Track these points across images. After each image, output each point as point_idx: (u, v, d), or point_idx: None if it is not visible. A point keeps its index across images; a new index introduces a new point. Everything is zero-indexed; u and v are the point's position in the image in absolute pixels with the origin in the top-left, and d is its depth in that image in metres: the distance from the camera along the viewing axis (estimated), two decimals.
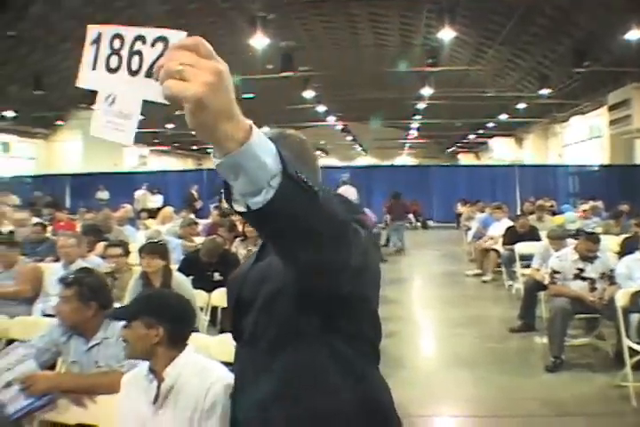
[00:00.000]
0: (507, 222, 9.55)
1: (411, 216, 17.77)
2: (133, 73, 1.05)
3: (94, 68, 1.11)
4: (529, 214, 10.17)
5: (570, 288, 5.36)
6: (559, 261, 5.56)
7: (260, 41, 14.76)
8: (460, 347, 6.15)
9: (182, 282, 4.55)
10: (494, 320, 7.26)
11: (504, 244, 8.74)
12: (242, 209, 1.08)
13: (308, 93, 21.73)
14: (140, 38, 1.04)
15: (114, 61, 1.08)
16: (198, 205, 15.47)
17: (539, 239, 8.11)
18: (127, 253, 5.12)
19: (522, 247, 8.00)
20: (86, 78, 1.13)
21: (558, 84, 20.70)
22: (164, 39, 1.01)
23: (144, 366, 2.29)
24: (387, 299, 7.78)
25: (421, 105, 26.37)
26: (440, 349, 6.42)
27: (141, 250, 4.62)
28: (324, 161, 40.38)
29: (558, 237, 6.63)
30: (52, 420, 2.73)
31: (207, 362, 2.28)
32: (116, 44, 1.08)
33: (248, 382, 1.65)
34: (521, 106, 25.19)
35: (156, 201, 15.85)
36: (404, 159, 45.18)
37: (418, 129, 35.93)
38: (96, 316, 2.92)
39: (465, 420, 4.44)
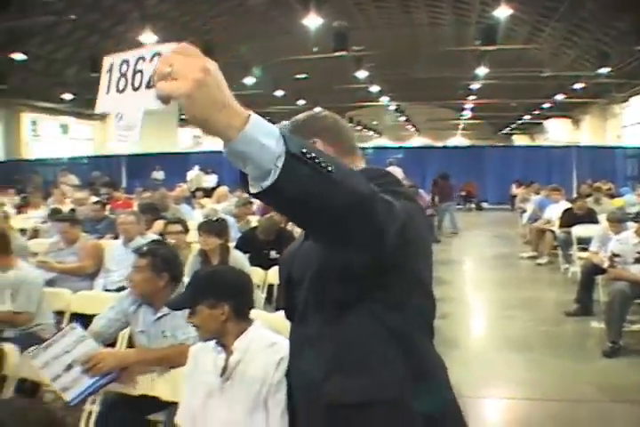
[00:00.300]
0: (564, 204, 9.36)
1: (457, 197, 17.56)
2: (136, 89, 1.16)
3: (108, 93, 1.22)
4: (586, 197, 9.95)
5: (630, 272, 5.25)
6: (619, 244, 5.44)
7: (313, 21, 14.70)
8: (513, 329, 6.09)
9: (239, 259, 4.60)
10: (549, 303, 7.17)
11: (561, 226, 8.57)
12: (255, 191, 1.11)
13: (362, 73, 21.60)
14: (141, 58, 1.16)
15: (122, 83, 1.19)
16: None
17: (596, 222, 7.96)
18: (186, 230, 5.21)
19: (579, 230, 7.85)
20: (101, 103, 1.25)
21: (618, 63, 20.00)
22: (159, 54, 1.11)
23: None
24: (440, 280, 7.72)
25: (476, 85, 25.92)
26: (493, 330, 6.38)
27: (199, 228, 4.69)
28: (376, 141, 40.25)
29: (618, 220, 6.47)
30: (115, 391, 2.83)
31: (276, 337, 2.29)
32: (124, 68, 1.19)
33: (301, 360, 1.67)
34: (578, 86, 24.40)
35: (210, 181, 16.04)
36: (458, 140, 44.56)
37: (472, 109, 35.35)
38: (167, 287, 2.98)
39: (517, 402, 4.40)
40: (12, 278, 3.91)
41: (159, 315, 2.96)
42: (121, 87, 1.20)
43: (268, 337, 2.26)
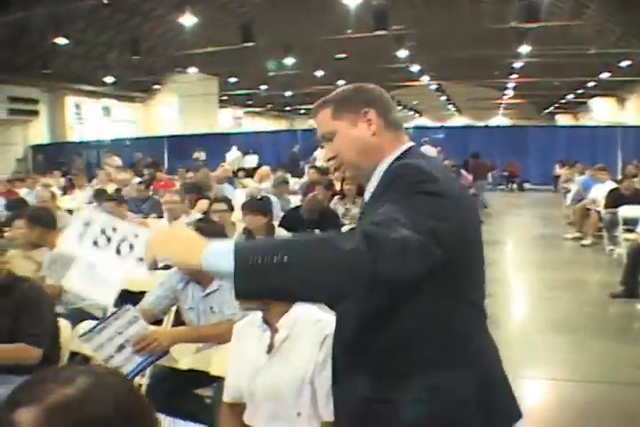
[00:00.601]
0: (610, 185, 9.18)
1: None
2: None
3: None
4: (632, 177, 9.73)
5: None
6: None
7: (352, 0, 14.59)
8: (556, 310, 6.03)
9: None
10: (593, 285, 7.07)
11: (606, 206, 8.41)
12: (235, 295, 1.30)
13: (402, 53, 21.33)
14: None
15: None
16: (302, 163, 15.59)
17: None
18: (231, 209, 5.26)
19: (626, 211, 7.70)
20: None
21: None
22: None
23: (256, 315, 2.33)
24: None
25: (518, 63, 25.41)
26: (535, 312, 6.31)
27: (244, 207, 4.73)
28: (417, 122, 39.87)
29: None
30: (164, 364, 2.90)
31: (321, 314, 2.29)
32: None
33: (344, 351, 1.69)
34: (624, 63, 23.74)
35: (251, 161, 16.11)
36: (499, 120, 43.86)
37: (514, 88, 34.72)
38: None
39: (558, 383, 4.36)
40: (55, 255, 4.02)
41: (207, 291, 3.00)
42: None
43: (313, 314, 2.25)
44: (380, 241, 1.27)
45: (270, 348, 2.22)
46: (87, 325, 3.07)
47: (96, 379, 1.02)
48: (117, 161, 15.46)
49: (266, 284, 1.26)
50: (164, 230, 1.51)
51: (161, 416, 2.73)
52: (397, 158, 1.61)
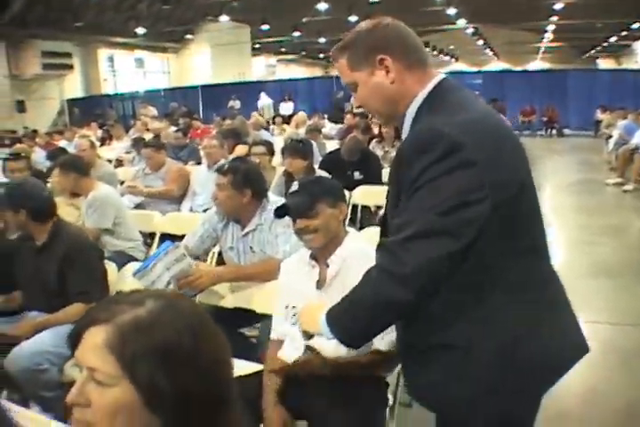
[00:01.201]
0: None
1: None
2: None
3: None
4: None
5: None
6: None
7: None
8: (598, 255, 5.95)
9: None
10: (635, 230, 6.96)
11: None
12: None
13: None
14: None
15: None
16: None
17: None
18: (271, 153, 5.23)
19: None
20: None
21: None
22: None
23: (303, 252, 2.34)
24: None
25: (558, 5, 24.42)
26: (577, 257, 6.22)
27: (284, 150, 4.69)
28: (453, 67, 38.94)
29: None
30: (210, 303, 2.94)
31: (372, 250, 2.28)
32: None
33: None
34: None
35: (287, 108, 16.01)
36: (538, 64, 42.58)
37: (554, 31, 33.54)
38: (251, 203, 2.99)
39: (600, 327, 4.30)
40: (90, 199, 4.12)
41: (246, 230, 3.00)
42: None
43: (364, 249, 2.23)
44: (405, 278, 1.36)
45: (320, 283, 2.22)
46: (133, 266, 3.13)
47: (166, 302, 1.03)
48: (153, 111, 15.51)
49: (358, 335, 1.52)
50: (310, 308, 1.67)
51: None
52: (426, 99, 1.52)
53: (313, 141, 6.89)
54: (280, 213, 2.27)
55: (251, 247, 2.99)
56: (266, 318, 2.76)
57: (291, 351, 2.16)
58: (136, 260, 3.76)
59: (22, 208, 2.96)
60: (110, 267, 3.19)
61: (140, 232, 4.37)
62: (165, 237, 4.17)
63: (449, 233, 1.35)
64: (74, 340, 1.00)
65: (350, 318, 1.49)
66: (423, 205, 1.37)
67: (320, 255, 2.24)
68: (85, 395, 0.97)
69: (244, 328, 3.15)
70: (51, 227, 3.03)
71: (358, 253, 2.19)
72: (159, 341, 0.97)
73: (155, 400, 0.96)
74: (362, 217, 5.04)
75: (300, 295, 2.26)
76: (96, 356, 0.96)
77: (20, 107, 18.54)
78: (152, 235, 4.41)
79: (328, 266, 2.21)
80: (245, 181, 2.97)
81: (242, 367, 2.52)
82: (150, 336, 0.97)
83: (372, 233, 3.61)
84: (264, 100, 16.81)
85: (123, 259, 3.71)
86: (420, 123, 1.50)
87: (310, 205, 2.17)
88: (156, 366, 0.95)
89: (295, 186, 2.29)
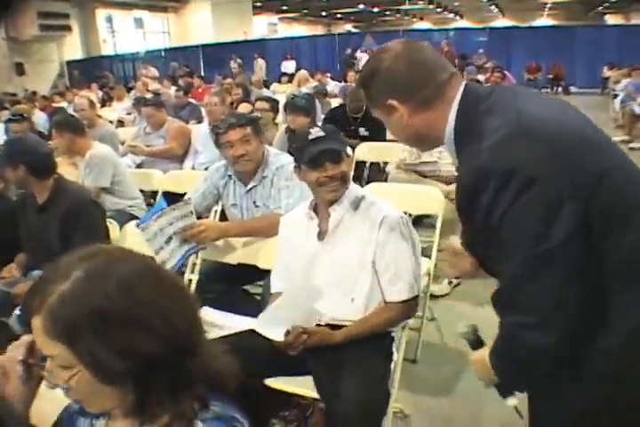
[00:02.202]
0: None
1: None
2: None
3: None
4: None
5: None
6: None
7: None
8: None
9: None
10: None
11: None
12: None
13: None
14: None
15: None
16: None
17: None
18: (275, 110, 5.10)
19: None
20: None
21: None
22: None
23: (303, 206, 2.31)
24: None
25: None
26: None
27: (287, 106, 4.58)
28: (457, 24, 38.27)
29: None
30: (214, 259, 2.89)
31: (374, 197, 2.25)
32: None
33: None
34: None
35: (289, 67, 15.79)
36: (544, 21, 41.70)
37: None
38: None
39: None
40: (87, 159, 4.06)
41: (250, 186, 2.92)
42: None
43: (367, 197, 2.22)
44: (538, 326, 1.24)
45: (321, 235, 2.19)
46: (134, 224, 3.08)
47: (95, 266, 0.96)
48: (154, 71, 15.28)
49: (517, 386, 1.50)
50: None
51: (210, 310, 2.78)
52: (457, 128, 1.35)
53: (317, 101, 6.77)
54: (318, 159, 2.15)
55: (254, 202, 2.92)
56: (269, 275, 2.72)
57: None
58: (137, 218, 3.70)
59: (21, 163, 2.88)
60: (112, 225, 3.14)
61: (142, 191, 4.31)
62: (167, 195, 4.11)
63: (551, 261, 1.18)
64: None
65: (509, 376, 1.44)
66: (512, 242, 1.22)
67: (328, 206, 2.20)
68: (59, 380, 0.96)
69: (247, 285, 3.10)
70: (52, 185, 2.97)
71: (360, 202, 2.20)
72: (86, 310, 0.91)
73: (106, 375, 0.92)
74: (369, 173, 4.97)
75: (300, 249, 2.24)
76: (44, 344, 0.95)
77: (20, 69, 18.31)
78: (154, 194, 4.34)
79: (330, 215, 2.18)
80: (260, 130, 2.92)
81: (244, 324, 2.50)
82: (77, 308, 0.92)
83: (377, 188, 3.56)
84: (259, 61, 16.47)
85: (124, 217, 3.67)
86: (462, 153, 1.34)
87: (341, 150, 2.17)
88: (92, 337, 0.90)
89: (316, 133, 2.17)
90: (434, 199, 3.38)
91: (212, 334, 2.50)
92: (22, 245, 3.11)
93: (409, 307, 2.16)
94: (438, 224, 3.34)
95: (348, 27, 33.80)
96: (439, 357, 3.19)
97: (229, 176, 3.01)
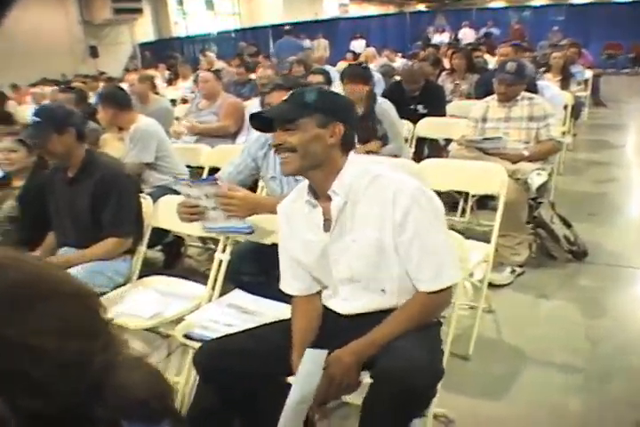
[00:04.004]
0: None
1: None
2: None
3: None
4: None
5: None
6: None
7: None
8: None
9: (387, 109, 4.18)
10: None
11: None
12: None
13: None
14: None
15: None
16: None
17: None
18: (329, 82, 4.82)
19: None
20: None
21: None
22: None
23: (302, 188, 1.93)
24: (607, 144, 7.22)
25: None
26: None
27: (343, 75, 4.24)
28: (534, 2, 36.81)
29: None
30: (248, 240, 2.66)
31: (377, 168, 1.82)
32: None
33: None
34: None
35: (358, 46, 15.45)
36: None
37: None
38: None
39: None
40: (131, 133, 3.94)
41: None
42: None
43: (368, 170, 1.81)
44: None
45: (327, 224, 1.83)
46: (168, 197, 2.89)
47: None
48: (212, 57, 15.22)
49: None
50: None
51: (242, 294, 2.56)
52: None
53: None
54: (256, 122, 1.88)
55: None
56: None
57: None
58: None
59: (70, 126, 2.75)
60: (145, 200, 2.96)
61: (189, 167, 4.14)
62: (215, 171, 3.94)
63: None
64: None
65: None
66: None
67: (320, 189, 1.84)
68: None
69: None
70: (83, 156, 2.81)
71: (363, 178, 1.79)
72: None
73: None
74: (429, 151, 4.66)
75: (306, 244, 1.89)
76: None
77: (93, 52, 18.66)
78: (201, 170, 4.15)
79: (331, 200, 1.81)
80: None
81: (277, 311, 2.26)
82: None
83: (432, 165, 3.26)
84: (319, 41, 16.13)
85: (166, 193, 3.47)
86: None
87: (293, 115, 1.76)
88: None
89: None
90: (496, 178, 3.04)
91: (242, 320, 2.32)
92: (52, 221, 2.96)
93: (441, 296, 1.78)
94: (500, 206, 3.00)
95: (420, 7, 33.00)
96: (495, 354, 2.87)
97: (269, 146, 2.73)
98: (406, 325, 1.74)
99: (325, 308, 1.95)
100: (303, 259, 1.92)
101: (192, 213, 2.33)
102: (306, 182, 1.89)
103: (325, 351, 1.71)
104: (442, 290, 1.76)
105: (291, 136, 1.76)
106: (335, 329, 1.87)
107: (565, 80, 6.68)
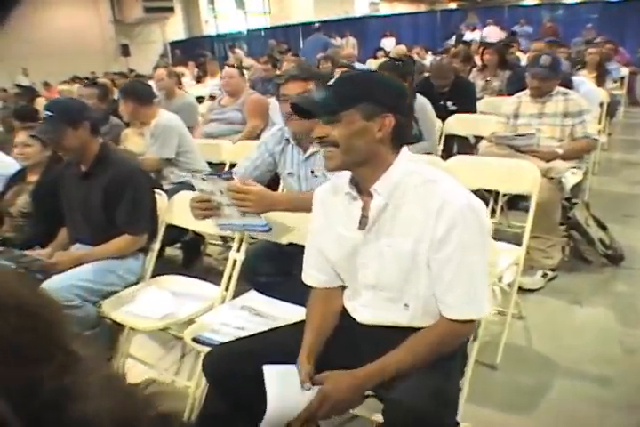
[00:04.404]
0: None
1: None
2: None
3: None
4: None
5: None
6: None
7: None
8: None
9: (425, 104, 4.06)
10: None
11: None
12: None
13: None
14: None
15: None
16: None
17: None
18: None
19: None
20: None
21: None
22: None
23: (342, 177, 1.74)
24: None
25: None
26: None
27: (380, 67, 4.10)
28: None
29: None
30: (264, 240, 2.54)
31: (430, 173, 1.62)
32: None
33: None
34: None
35: (388, 44, 15.31)
36: None
37: None
38: None
39: None
40: (152, 128, 3.85)
41: (310, 152, 2.51)
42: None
43: (421, 172, 1.62)
44: None
45: (363, 221, 1.66)
46: (183, 193, 2.79)
47: None
48: (240, 54, 15.19)
49: None
50: None
51: (256, 296, 2.44)
52: None
53: None
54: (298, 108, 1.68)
55: (312, 172, 2.50)
56: None
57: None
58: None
59: (85, 120, 2.66)
60: (160, 197, 2.86)
61: (209, 163, 4.04)
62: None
63: None
64: None
65: None
66: None
67: (363, 184, 1.67)
68: None
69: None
70: (97, 150, 2.72)
71: (413, 179, 1.60)
72: None
73: None
74: (458, 148, 4.50)
75: (338, 237, 1.73)
76: None
77: (125, 50, 18.83)
78: (222, 166, 4.05)
79: (372, 197, 1.64)
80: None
81: (293, 314, 2.14)
82: None
83: (461, 162, 3.10)
84: (347, 39, 16.04)
85: (178, 190, 3.36)
86: None
87: (334, 107, 1.57)
88: None
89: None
90: (528, 176, 2.87)
91: (254, 323, 2.20)
92: (65, 217, 2.87)
93: (463, 327, 1.61)
94: (532, 206, 2.84)
95: (452, 5, 32.72)
96: (524, 364, 2.71)
97: (287, 140, 2.59)
98: (423, 355, 1.57)
99: (344, 311, 1.82)
100: (330, 254, 1.77)
101: (205, 208, 2.21)
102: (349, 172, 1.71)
103: (293, 368, 1.61)
104: (466, 321, 1.59)
105: (333, 129, 1.58)
106: (349, 337, 1.74)
107: (601, 77, 6.46)
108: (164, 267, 2.89)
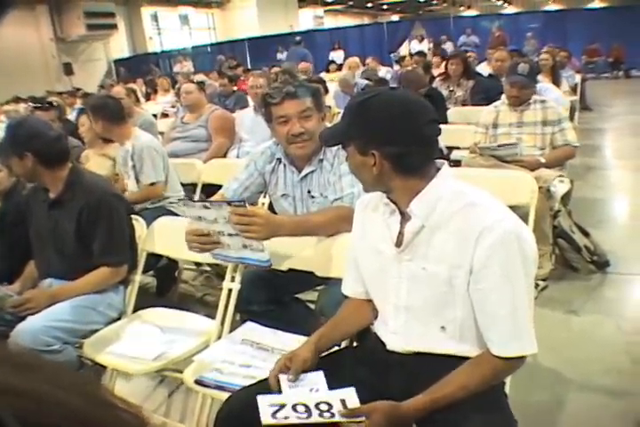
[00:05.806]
0: None
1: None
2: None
3: None
4: None
5: None
6: None
7: None
8: None
9: None
10: None
11: None
12: None
13: None
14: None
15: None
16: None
17: None
18: (325, 90, 4.60)
19: None
20: None
21: None
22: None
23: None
24: (600, 149, 7.40)
25: None
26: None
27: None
28: (508, 10, 37.16)
29: None
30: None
31: (475, 195, 1.49)
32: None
33: None
34: None
35: (337, 57, 15.33)
36: (598, 4, 40.03)
37: None
38: None
39: None
40: (131, 150, 3.57)
41: (306, 172, 2.32)
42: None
43: (463, 194, 1.49)
44: None
45: (400, 239, 1.54)
46: (164, 219, 2.61)
47: None
48: (188, 65, 15.00)
49: None
50: None
51: (253, 327, 2.26)
52: None
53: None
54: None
55: (309, 191, 2.32)
56: (326, 282, 2.25)
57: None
58: (176, 215, 3.21)
59: (27, 151, 2.42)
60: (137, 222, 2.66)
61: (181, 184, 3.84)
62: (208, 187, 3.65)
63: None
64: None
65: None
66: None
67: (398, 200, 1.55)
68: None
69: (299, 293, 2.56)
70: (66, 176, 2.51)
71: (452, 202, 1.48)
72: None
73: None
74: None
75: (373, 251, 1.62)
76: None
77: (68, 69, 18.34)
78: (193, 187, 3.85)
79: (410, 217, 1.52)
80: (322, 103, 2.32)
81: (293, 345, 1.96)
82: None
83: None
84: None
85: (157, 215, 3.14)
86: None
87: (335, 141, 1.64)
88: None
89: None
90: (525, 187, 2.79)
91: (260, 359, 2.02)
92: (33, 250, 2.65)
93: (516, 363, 1.48)
94: (531, 217, 2.75)
95: (395, 18, 33.30)
96: (535, 380, 2.60)
97: (278, 160, 2.40)
98: (474, 390, 1.44)
99: (375, 339, 1.69)
100: (363, 265, 1.69)
101: (204, 242, 2.04)
102: None
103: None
104: (514, 357, 1.46)
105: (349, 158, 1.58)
106: (381, 364, 1.62)
107: (555, 82, 6.48)
108: (136, 297, 2.67)
